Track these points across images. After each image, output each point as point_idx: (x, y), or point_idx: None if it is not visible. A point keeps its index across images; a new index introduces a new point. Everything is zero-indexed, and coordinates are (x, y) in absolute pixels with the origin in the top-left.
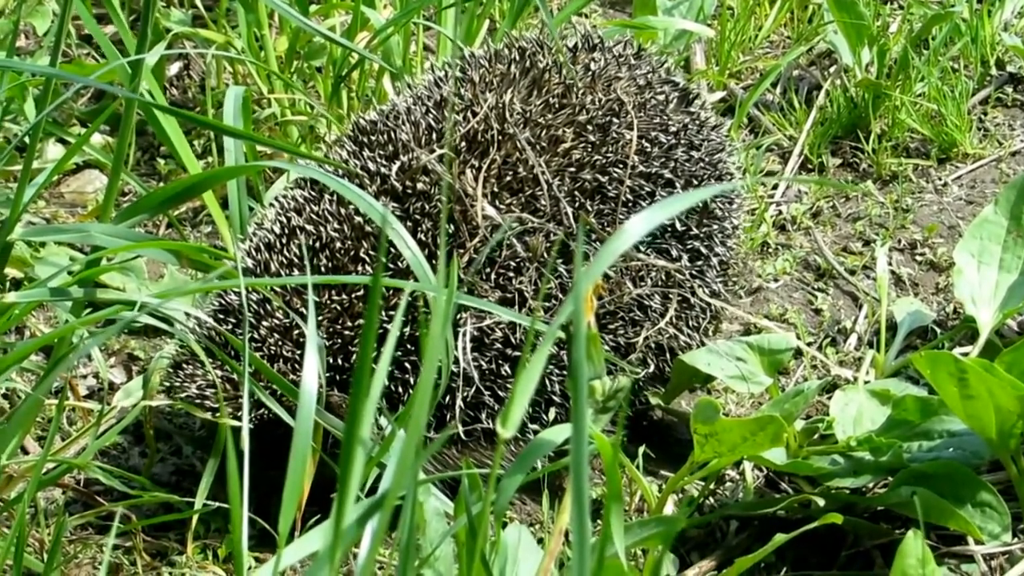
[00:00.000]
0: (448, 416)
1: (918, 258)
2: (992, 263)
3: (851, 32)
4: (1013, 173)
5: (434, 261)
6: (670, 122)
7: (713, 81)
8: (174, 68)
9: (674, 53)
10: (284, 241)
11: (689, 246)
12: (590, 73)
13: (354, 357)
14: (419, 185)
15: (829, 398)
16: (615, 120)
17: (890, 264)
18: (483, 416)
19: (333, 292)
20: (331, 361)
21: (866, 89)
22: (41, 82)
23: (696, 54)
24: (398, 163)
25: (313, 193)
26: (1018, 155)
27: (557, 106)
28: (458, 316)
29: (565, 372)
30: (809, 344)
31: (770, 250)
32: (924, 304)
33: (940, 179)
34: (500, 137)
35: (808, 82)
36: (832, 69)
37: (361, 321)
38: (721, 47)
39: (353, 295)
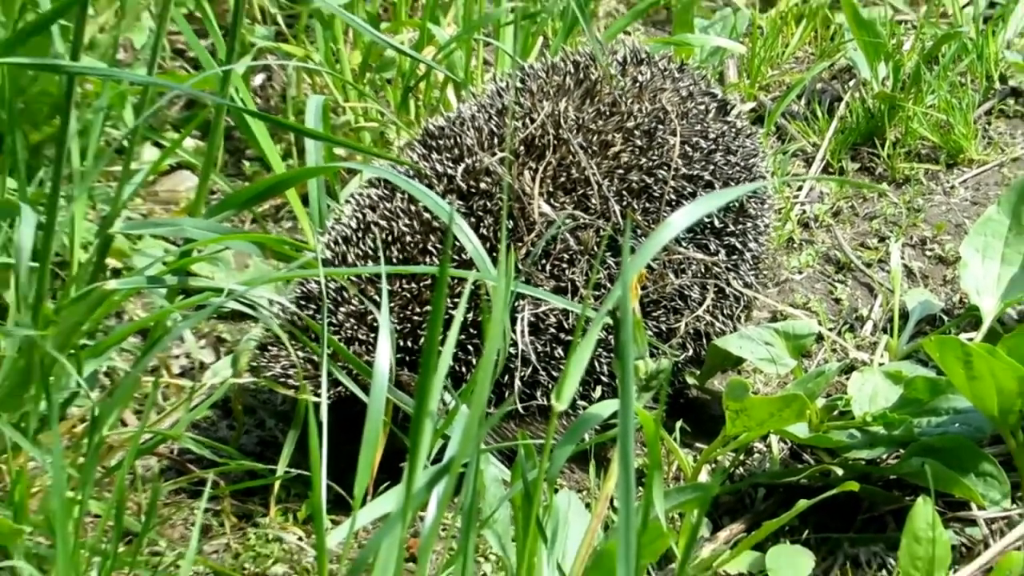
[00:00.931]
0: (507, 393)
1: (928, 253)
2: (995, 257)
3: (869, 49)
4: (1014, 177)
5: (495, 253)
6: (709, 130)
7: (744, 93)
8: (258, 79)
9: (709, 67)
10: (360, 235)
11: (726, 242)
12: (637, 84)
13: (422, 340)
14: (482, 185)
15: (847, 378)
16: (660, 127)
17: (903, 258)
18: (538, 394)
19: (404, 281)
20: (401, 344)
21: (882, 101)
22: (139, 91)
23: (729, 68)
24: (463, 165)
25: (386, 192)
26: (1019, 161)
27: (607, 114)
28: (516, 303)
29: (612, 354)
30: (830, 330)
31: (795, 245)
32: (933, 294)
33: (948, 182)
34: (555, 142)
35: (830, 94)
36: (851, 83)
37: (429, 307)
38: (752, 62)
39: (422, 284)
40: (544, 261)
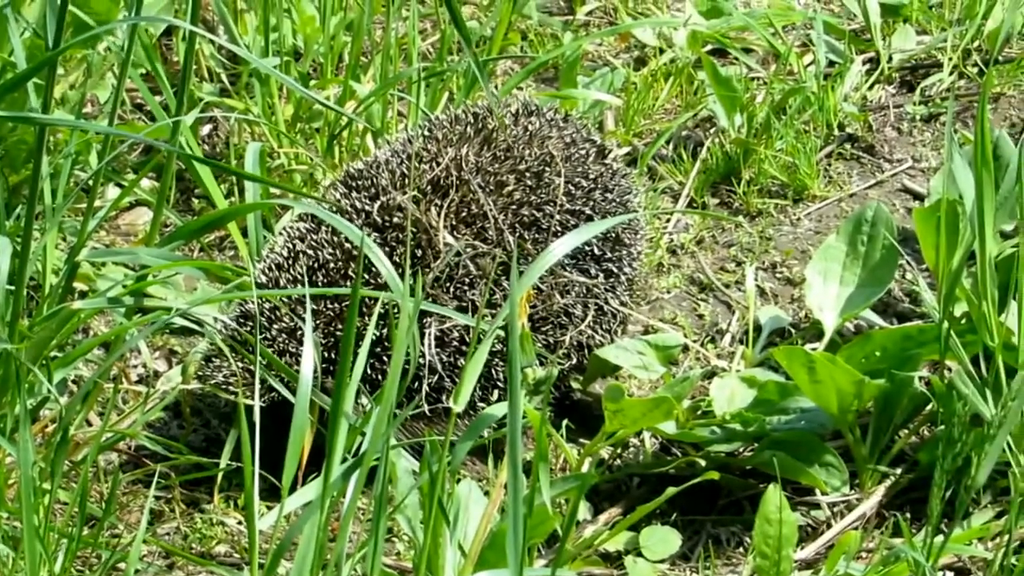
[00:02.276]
0: (416, 397)
1: (778, 275)
2: (835, 279)
3: (727, 102)
4: (850, 210)
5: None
6: (590, 171)
7: (620, 139)
8: (206, 129)
9: (590, 118)
10: (291, 262)
11: (604, 267)
12: (528, 133)
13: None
14: (395, 219)
15: (709, 383)
16: (547, 169)
17: (756, 280)
18: (444, 398)
19: (328, 302)
20: (326, 355)
21: (738, 146)
22: (102, 139)
23: (607, 118)
24: (379, 202)
25: (313, 225)
26: (855, 196)
27: (503, 158)
28: (424, 320)
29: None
30: (694, 342)
31: (664, 269)
32: (782, 311)
33: (795, 215)
34: (458, 182)
35: (694, 140)
36: (712, 130)
37: None
38: (627, 113)
39: (344, 304)
40: (448, 284)
